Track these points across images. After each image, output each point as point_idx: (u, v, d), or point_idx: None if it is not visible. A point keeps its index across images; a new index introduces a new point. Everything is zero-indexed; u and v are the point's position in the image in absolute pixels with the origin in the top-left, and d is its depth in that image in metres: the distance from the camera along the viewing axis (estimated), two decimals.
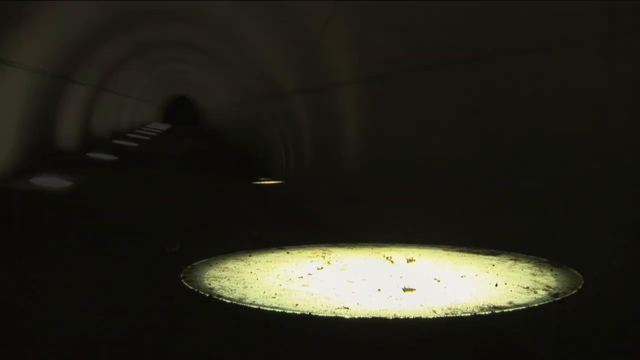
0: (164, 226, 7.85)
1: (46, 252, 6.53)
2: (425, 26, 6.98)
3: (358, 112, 9.04)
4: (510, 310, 4.52)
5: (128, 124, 27.69)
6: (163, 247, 6.80)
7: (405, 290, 5.04)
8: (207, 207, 9.57)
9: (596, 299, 4.89)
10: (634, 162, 5.02)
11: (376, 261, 6.32)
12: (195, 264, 6.07)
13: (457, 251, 6.81)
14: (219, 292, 5.02)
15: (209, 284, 5.28)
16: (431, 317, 4.34)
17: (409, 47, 7.25)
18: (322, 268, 5.92)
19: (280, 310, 4.47)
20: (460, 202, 7.02)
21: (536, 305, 4.65)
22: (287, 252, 6.72)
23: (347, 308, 4.53)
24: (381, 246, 7.10)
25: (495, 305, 4.60)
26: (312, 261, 6.25)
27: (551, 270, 5.81)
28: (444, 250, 6.89)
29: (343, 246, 7.10)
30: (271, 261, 6.25)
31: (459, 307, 4.54)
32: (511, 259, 6.32)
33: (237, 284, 5.30)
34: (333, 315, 4.38)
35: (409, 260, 6.24)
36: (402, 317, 4.31)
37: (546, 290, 5.06)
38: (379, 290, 5.06)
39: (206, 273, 5.70)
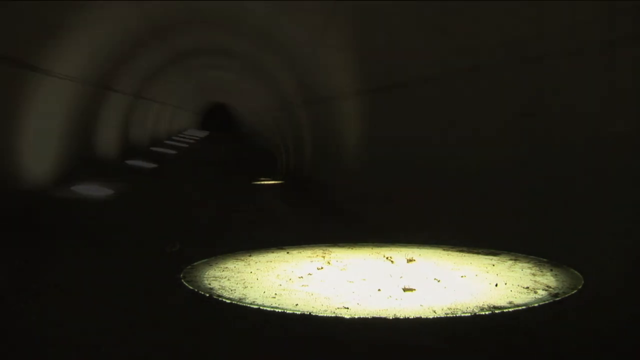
0: (204, 229, 7.81)
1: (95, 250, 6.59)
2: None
3: (388, 116, 8.86)
4: (510, 310, 4.52)
5: (166, 131, 27.58)
6: (163, 247, 6.80)
7: (405, 290, 5.04)
8: (246, 210, 9.48)
9: (596, 299, 4.89)
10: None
11: (376, 261, 6.32)
12: (195, 264, 6.07)
13: (457, 251, 6.81)
14: (219, 292, 5.02)
15: (209, 284, 5.28)
16: (431, 317, 4.34)
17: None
18: (322, 268, 5.92)
19: (280, 310, 4.47)
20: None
21: (536, 305, 4.65)
22: (287, 252, 6.72)
23: (347, 308, 4.53)
24: (381, 246, 7.10)
25: (495, 305, 4.60)
26: (312, 261, 6.25)
27: (551, 270, 5.81)
28: (444, 250, 6.89)
29: (343, 246, 7.10)
30: (271, 261, 6.25)
31: (459, 307, 4.54)
32: (511, 259, 6.32)
33: (237, 284, 5.30)
34: (333, 315, 4.38)
35: (409, 260, 6.24)
36: (402, 317, 4.31)
37: (546, 290, 5.06)
38: (379, 290, 5.06)
39: (206, 273, 5.70)
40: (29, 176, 8.61)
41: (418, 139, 7.88)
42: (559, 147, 5.92)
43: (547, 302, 4.72)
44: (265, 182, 13.43)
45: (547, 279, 5.44)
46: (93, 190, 9.10)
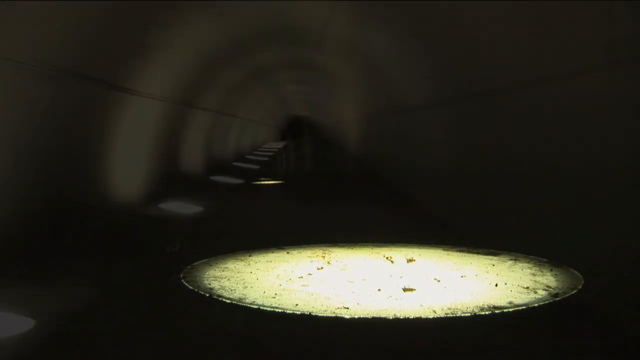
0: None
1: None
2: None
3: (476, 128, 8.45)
4: (510, 310, 4.52)
5: (248, 146, 27.62)
6: (163, 247, 6.80)
7: (405, 290, 5.04)
8: (344, 219, 9.31)
9: (596, 299, 4.89)
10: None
11: (376, 261, 6.32)
12: (195, 264, 6.07)
13: (457, 251, 6.81)
14: (219, 292, 5.02)
15: (209, 284, 5.28)
16: (431, 317, 4.34)
17: None
18: (322, 268, 5.92)
19: (280, 310, 4.47)
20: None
21: (536, 305, 4.65)
22: (287, 252, 6.72)
23: (347, 308, 4.53)
24: (381, 246, 7.10)
25: (495, 305, 4.60)
26: (312, 261, 6.25)
27: (551, 270, 5.81)
28: (444, 250, 6.89)
29: (343, 246, 7.10)
30: (271, 261, 6.25)
31: (459, 307, 4.54)
32: (511, 259, 6.32)
33: (237, 284, 5.30)
34: (333, 315, 4.38)
35: (409, 260, 6.24)
36: (402, 317, 4.32)
37: (546, 290, 5.06)
38: (379, 290, 5.06)
39: (206, 273, 5.70)
40: (118, 195, 8.61)
41: (511, 146, 7.07)
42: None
43: (547, 302, 4.73)
44: (350, 193, 13.06)
45: (547, 279, 5.44)
46: (180, 207, 8.99)
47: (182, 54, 10.52)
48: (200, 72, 12.39)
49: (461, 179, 8.43)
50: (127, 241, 6.74)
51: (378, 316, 4.35)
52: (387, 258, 6.39)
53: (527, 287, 5.14)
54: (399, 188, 12.25)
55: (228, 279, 5.46)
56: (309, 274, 5.64)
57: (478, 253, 6.68)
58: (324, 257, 6.46)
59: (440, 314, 4.40)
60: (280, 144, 39.19)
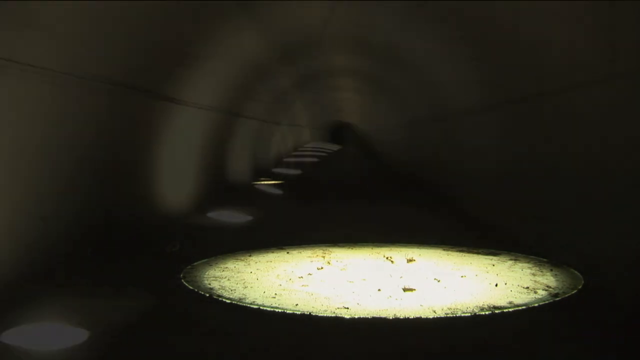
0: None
1: None
2: None
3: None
4: (510, 310, 4.52)
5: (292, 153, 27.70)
6: (163, 247, 6.80)
7: (405, 290, 5.04)
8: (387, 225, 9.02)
9: (596, 299, 4.89)
10: None
11: (376, 261, 6.32)
12: (195, 264, 6.07)
13: (457, 251, 6.81)
14: (219, 292, 5.02)
15: (209, 284, 5.27)
16: (431, 317, 4.34)
17: None
18: (322, 268, 5.92)
19: (280, 310, 4.47)
20: None
21: (536, 305, 4.65)
22: (287, 252, 6.72)
23: (347, 308, 4.53)
24: (381, 246, 7.10)
25: (495, 305, 4.60)
26: (312, 261, 6.25)
27: (551, 270, 5.81)
28: (444, 250, 6.89)
29: (343, 246, 7.10)
30: (271, 261, 6.25)
31: (459, 307, 4.54)
32: (511, 259, 6.33)
33: (237, 284, 5.30)
34: (333, 315, 4.38)
35: (409, 260, 6.24)
36: (402, 317, 4.32)
37: (546, 290, 5.06)
38: (379, 290, 5.06)
39: (206, 273, 5.70)
40: (166, 204, 8.58)
41: (566, 151, 6.59)
42: None
43: (547, 302, 4.73)
44: (392, 200, 12.69)
45: (547, 279, 5.44)
46: (228, 216, 8.87)
47: (227, 63, 10.43)
48: (245, 80, 12.25)
49: (511, 183, 8.14)
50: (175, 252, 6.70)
51: (378, 316, 4.35)
52: (387, 258, 6.40)
53: (527, 287, 5.14)
54: (446, 193, 12.01)
55: (228, 279, 5.46)
56: (309, 274, 5.64)
57: (478, 253, 6.68)
58: (324, 257, 6.46)
59: (440, 314, 4.40)
60: (326, 149, 38.80)
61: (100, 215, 6.46)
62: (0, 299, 4.33)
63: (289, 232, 8.06)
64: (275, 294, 4.94)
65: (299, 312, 4.42)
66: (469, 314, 4.39)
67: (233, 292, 5.02)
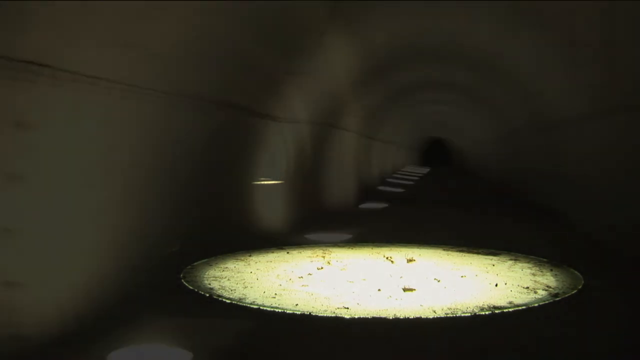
0: None
1: None
2: None
3: None
4: (510, 310, 4.52)
5: (389, 170, 26.90)
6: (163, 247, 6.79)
7: (405, 290, 5.04)
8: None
9: (596, 299, 4.89)
10: None
11: (376, 261, 6.32)
12: (196, 264, 6.07)
13: (457, 251, 6.81)
14: (219, 292, 5.01)
15: (209, 284, 5.27)
16: (431, 317, 4.34)
17: None
18: (322, 268, 5.92)
19: (280, 310, 4.47)
20: None
21: (536, 305, 4.65)
22: (287, 252, 6.72)
23: (347, 308, 4.53)
24: (381, 246, 7.10)
25: (495, 305, 4.60)
26: (312, 261, 6.25)
27: (551, 270, 5.82)
28: (444, 250, 6.89)
29: (343, 246, 7.10)
30: (271, 261, 6.25)
31: (459, 307, 4.54)
32: (511, 259, 6.33)
33: (237, 284, 5.30)
34: (333, 315, 4.38)
35: (409, 260, 6.24)
36: (402, 317, 4.32)
37: (546, 290, 5.06)
38: (379, 290, 5.06)
39: (206, 273, 5.70)
40: (262, 224, 8.45)
41: None
42: None
43: (547, 302, 4.73)
44: (498, 210, 12.25)
45: (547, 279, 5.44)
46: (327, 237, 8.44)
47: (323, 79, 10.30)
48: (341, 95, 12.02)
49: (624, 195, 7.44)
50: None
51: (378, 316, 4.35)
52: (387, 258, 6.39)
53: (527, 287, 5.14)
54: (550, 205, 11.47)
55: (228, 279, 5.46)
56: (309, 274, 5.64)
57: (478, 253, 6.68)
58: (324, 257, 6.46)
59: (440, 314, 4.40)
60: (423, 170, 37.96)
61: (203, 237, 6.42)
62: (108, 319, 4.32)
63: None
64: (275, 294, 4.94)
65: (299, 312, 4.42)
66: (469, 314, 4.39)
67: (233, 292, 5.01)
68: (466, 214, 12.32)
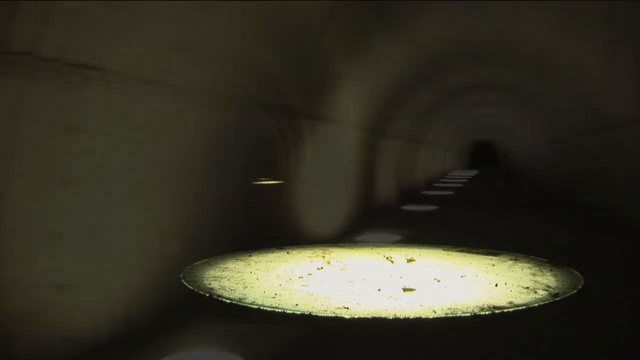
0: None
1: None
2: None
3: None
4: (510, 310, 4.52)
5: (437, 173, 26.60)
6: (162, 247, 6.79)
7: (405, 290, 5.04)
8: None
9: (596, 299, 4.89)
10: None
11: (376, 261, 6.32)
12: (196, 264, 6.07)
13: (457, 251, 6.81)
14: (219, 292, 5.01)
15: (209, 284, 5.27)
16: (431, 317, 4.34)
17: None
18: (322, 268, 5.92)
19: (280, 310, 4.47)
20: None
21: (536, 305, 4.65)
22: (287, 252, 6.72)
23: (347, 308, 4.53)
24: (381, 246, 7.10)
25: (495, 305, 4.60)
26: (312, 261, 6.25)
27: (551, 270, 5.81)
28: (444, 250, 6.89)
29: (343, 246, 7.10)
30: (271, 261, 6.25)
31: (459, 307, 4.54)
32: (511, 259, 6.33)
33: (237, 284, 5.30)
34: (333, 315, 4.38)
35: (409, 260, 6.24)
36: (402, 317, 4.31)
37: (546, 290, 5.06)
38: (379, 290, 5.06)
39: (206, 273, 5.70)
40: (313, 229, 8.39)
41: None
42: None
43: (547, 302, 4.73)
44: (551, 215, 11.90)
45: (547, 279, 5.44)
46: (377, 238, 8.32)
47: (371, 81, 10.17)
48: (389, 98, 11.83)
49: None
50: None
51: (378, 316, 4.35)
52: (387, 258, 6.40)
53: (527, 287, 5.14)
54: (605, 209, 11.22)
55: (228, 279, 5.46)
56: (309, 274, 5.64)
57: (478, 253, 6.68)
58: (324, 257, 6.46)
59: (440, 314, 4.40)
60: (471, 173, 37.35)
61: (250, 239, 6.39)
62: (158, 323, 4.31)
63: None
64: (275, 294, 4.94)
65: (299, 312, 4.42)
66: (469, 314, 4.39)
67: (233, 292, 5.01)
68: (513, 215, 12.15)
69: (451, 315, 4.37)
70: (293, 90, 7.21)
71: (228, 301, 4.76)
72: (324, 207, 9.05)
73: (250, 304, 4.67)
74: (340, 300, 4.75)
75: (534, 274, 5.63)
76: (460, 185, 24.78)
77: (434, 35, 10.15)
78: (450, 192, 20.05)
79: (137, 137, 4.47)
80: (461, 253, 6.70)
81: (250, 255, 6.50)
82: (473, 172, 37.97)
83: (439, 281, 5.38)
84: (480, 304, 4.62)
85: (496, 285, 5.23)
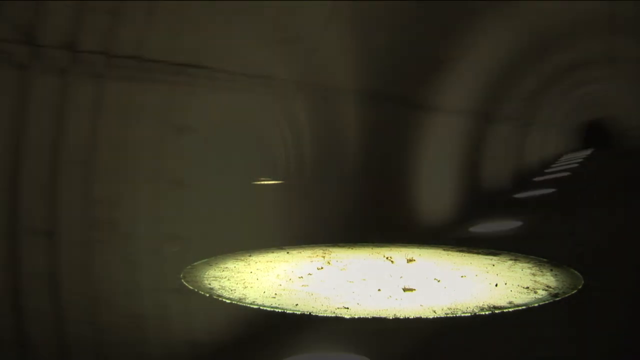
0: None
1: None
2: None
3: None
4: (510, 310, 4.51)
5: (549, 155, 25.71)
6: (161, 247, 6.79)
7: (405, 290, 5.03)
8: None
9: (596, 299, 4.89)
10: None
11: (376, 261, 6.32)
12: (195, 264, 6.07)
13: (457, 251, 6.81)
14: (219, 292, 5.01)
15: (209, 284, 5.27)
16: (431, 317, 4.34)
17: None
18: (322, 268, 5.92)
19: (280, 310, 4.47)
20: None
21: (536, 305, 4.65)
22: (287, 252, 6.72)
23: (347, 308, 4.53)
24: (381, 246, 7.10)
25: (495, 305, 4.60)
26: (312, 261, 6.25)
27: (551, 270, 5.81)
28: (444, 250, 6.89)
29: (343, 246, 7.10)
30: (271, 261, 6.25)
31: (459, 307, 4.54)
32: (511, 259, 6.33)
33: (237, 284, 5.30)
34: (333, 315, 4.38)
35: (409, 260, 6.24)
36: (402, 317, 4.31)
37: (546, 290, 5.06)
38: (379, 290, 5.06)
39: (206, 273, 5.70)
40: (425, 217, 8.25)
41: None
42: None
43: (547, 302, 4.72)
44: None
45: (547, 279, 5.44)
46: (494, 227, 7.93)
47: (478, 63, 9.83)
48: (496, 80, 11.42)
49: None
50: None
51: (378, 316, 4.35)
52: (387, 258, 6.39)
53: (527, 287, 5.14)
54: None
55: (228, 279, 5.46)
56: (309, 274, 5.64)
57: (478, 253, 6.68)
58: (324, 257, 6.46)
59: (440, 314, 4.40)
60: (585, 152, 36.05)
61: (360, 231, 6.32)
62: (279, 323, 4.29)
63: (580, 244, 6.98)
64: (275, 294, 4.94)
65: (299, 312, 4.42)
66: (469, 314, 4.39)
67: (233, 292, 5.02)
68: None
69: (451, 315, 4.37)
70: (402, 78, 7.07)
71: (228, 301, 4.76)
72: (434, 196, 8.85)
73: (250, 304, 4.67)
74: (340, 300, 4.75)
75: (534, 274, 5.63)
76: (574, 167, 23.58)
77: (543, 11, 9.58)
78: (565, 175, 19.14)
79: (248, 133, 4.42)
80: (461, 253, 6.70)
81: (250, 255, 6.50)
82: (586, 153, 36.37)
83: (439, 281, 5.38)
84: (480, 304, 4.62)
85: (496, 285, 5.22)
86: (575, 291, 5.05)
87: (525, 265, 6.05)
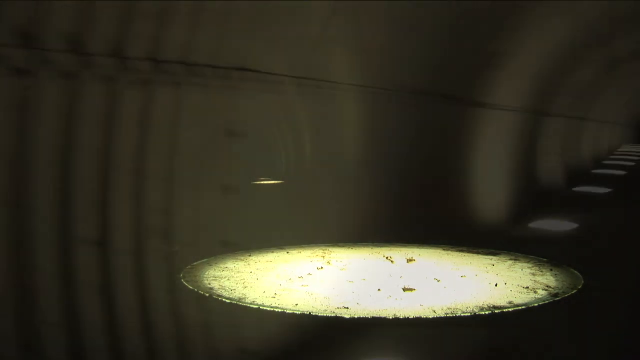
0: None
1: None
2: None
3: None
4: (510, 310, 4.51)
5: (604, 151, 25.22)
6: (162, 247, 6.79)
7: (405, 290, 5.04)
8: None
9: (596, 299, 4.89)
10: None
11: (376, 261, 6.32)
12: (195, 264, 6.07)
13: (457, 251, 6.81)
14: (219, 292, 5.02)
15: (209, 284, 5.27)
16: (431, 317, 4.34)
17: None
18: (322, 268, 5.92)
19: (280, 310, 4.47)
20: None
21: (536, 305, 4.65)
22: (287, 252, 6.72)
23: (347, 308, 4.53)
24: (381, 246, 7.10)
25: (495, 305, 4.60)
26: (312, 261, 6.25)
27: (551, 270, 5.81)
28: (444, 250, 6.89)
29: (343, 246, 7.10)
30: (271, 261, 6.25)
31: (459, 307, 4.54)
32: (511, 259, 6.33)
33: (237, 284, 5.30)
34: (333, 315, 4.38)
35: (409, 260, 6.24)
36: (402, 317, 4.31)
37: (546, 290, 5.06)
38: (379, 290, 5.06)
39: (206, 273, 5.70)
40: (480, 215, 8.15)
41: None
42: None
43: (547, 302, 4.73)
44: None
45: (547, 279, 5.44)
46: (553, 225, 7.73)
47: (531, 58, 9.60)
48: (550, 74, 11.23)
49: None
50: None
51: (378, 316, 4.35)
52: (387, 258, 6.39)
53: (527, 287, 5.14)
54: None
55: (228, 279, 5.46)
56: (309, 274, 5.64)
57: (478, 253, 6.68)
58: (324, 257, 6.46)
59: (440, 314, 4.40)
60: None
61: (417, 232, 6.28)
62: (335, 330, 4.29)
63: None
64: (275, 294, 4.94)
65: (299, 312, 4.42)
66: (469, 314, 4.39)
67: (233, 292, 5.02)
68: None
69: (451, 315, 4.37)
70: (454, 76, 7.01)
71: (228, 301, 4.76)
72: (491, 194, 8.77)
73: (250, 304, 4.67)
74: (340, 300, 4.75)
75: (534, 274, 5.63)
76: (632, 162, 22.90)
77: (598, 1, 9.38)
78: (622, 171, 18.67)
79: (295, 135, 4.41)
80: (461, 253, 6.70)
81: (250, 255, 6.50)
82: None
83: (439, 281, 5.38)
84: (480, 304, 4.62)
85: (496, 285, 5.22)
86: (575, 291, 5.05)
87: (525, 265, 6.05)
